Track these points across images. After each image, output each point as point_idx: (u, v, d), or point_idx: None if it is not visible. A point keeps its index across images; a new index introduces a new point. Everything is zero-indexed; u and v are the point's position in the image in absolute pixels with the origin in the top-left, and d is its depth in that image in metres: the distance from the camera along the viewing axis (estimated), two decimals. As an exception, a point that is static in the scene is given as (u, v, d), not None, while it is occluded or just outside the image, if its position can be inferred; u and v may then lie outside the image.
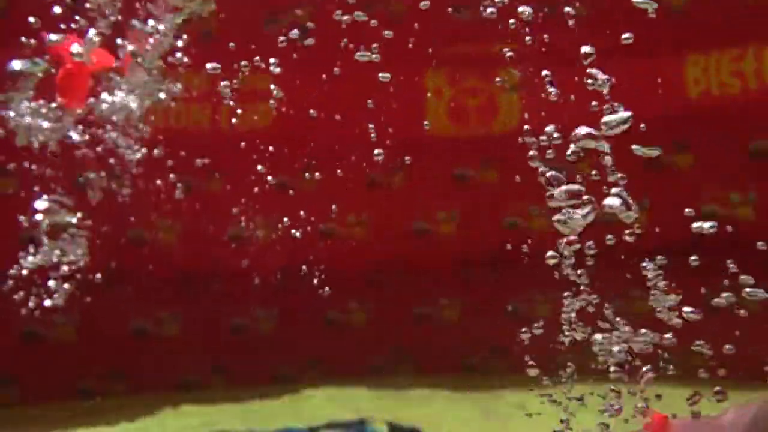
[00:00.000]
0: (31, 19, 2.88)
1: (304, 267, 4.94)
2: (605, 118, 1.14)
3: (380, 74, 1.65)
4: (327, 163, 4.75)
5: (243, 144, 4.68)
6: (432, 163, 5.16)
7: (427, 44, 4.28)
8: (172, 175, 4.62)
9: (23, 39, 2.90)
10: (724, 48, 4.95)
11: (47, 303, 3.70)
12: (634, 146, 1.16)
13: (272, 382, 5.19)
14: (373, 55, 1.62)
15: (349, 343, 5.42)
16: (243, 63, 2.48)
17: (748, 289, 1.04)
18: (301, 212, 4.71)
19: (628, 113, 1.13)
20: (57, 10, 2.88)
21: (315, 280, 5.21)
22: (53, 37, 2.72)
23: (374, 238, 5.39)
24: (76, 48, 2.68)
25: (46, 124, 3.22)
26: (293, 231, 4.70)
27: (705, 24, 4.89)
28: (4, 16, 4.58)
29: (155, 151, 4.02)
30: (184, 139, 4.79)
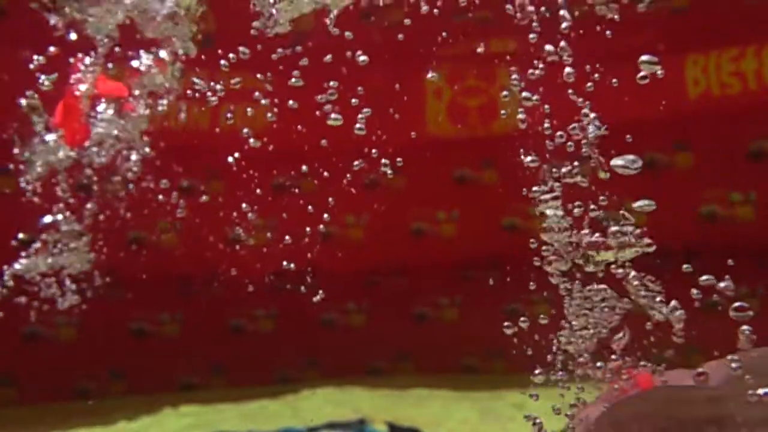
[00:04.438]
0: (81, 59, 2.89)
1: (303, 268, 4.93)
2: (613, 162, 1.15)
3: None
4: (326, 164, 4.75)
5: (242, 145, 4.67)
6: (431, 163, 5.16)
7: (427, 44, 4.28)
8: (172, 176, 4.62)
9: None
10: (724, 48, 4.94)
11: (47, 304, 3.70)
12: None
13: (272, 382, 5.19)
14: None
15: (349, 343, 5.42)
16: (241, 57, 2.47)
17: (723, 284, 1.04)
18: (301, 213, 4.71)
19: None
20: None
21: (314, 281, 5.20)
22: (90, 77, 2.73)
23: (373, 239, 5.39)
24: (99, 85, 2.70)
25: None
26: (292, 232, 4.69)
27: (705, 24, 4.89)
28: (4, 15, 4.58)
29: (155, 152, 4.02)
30: (184, 139, 4.79)
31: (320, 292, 3.62)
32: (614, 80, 1.47)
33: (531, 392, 1.36)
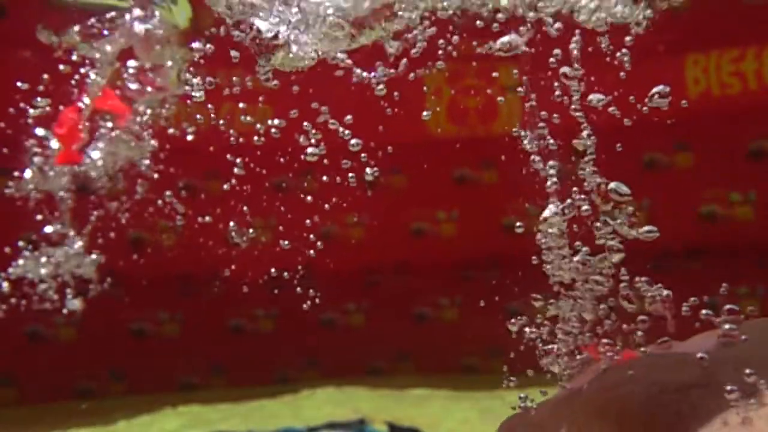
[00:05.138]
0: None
1: (303, 268, 4.93)
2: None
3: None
4: (326, 164, 4.75)
5: (242, 145, 4.67)
6: (431, 163, 5.16)
7: (427, 44, 4.28)
8: (172, 177, 4.61)
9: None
10: (724, 48, 4.94)
11: (48, 305, 3.70)
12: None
13: (272, 382, 5.19)
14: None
15: (349, 343, 5.42)
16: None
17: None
18: (300, 213, 4.71)
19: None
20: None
21: (314, 281, 5.20)
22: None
23: (373, 239, 5.39)
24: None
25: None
26: (292, 232, 4.69)
27: (705, 24, 4.89)
28: (4, 15, 4.57)
29: (155, 153, 4.02)
30: (183, 140, 4.78)
31: (317, 293, 3.62)
32: (614, 80, 1.47)
33: (523, 390, 1.36)
